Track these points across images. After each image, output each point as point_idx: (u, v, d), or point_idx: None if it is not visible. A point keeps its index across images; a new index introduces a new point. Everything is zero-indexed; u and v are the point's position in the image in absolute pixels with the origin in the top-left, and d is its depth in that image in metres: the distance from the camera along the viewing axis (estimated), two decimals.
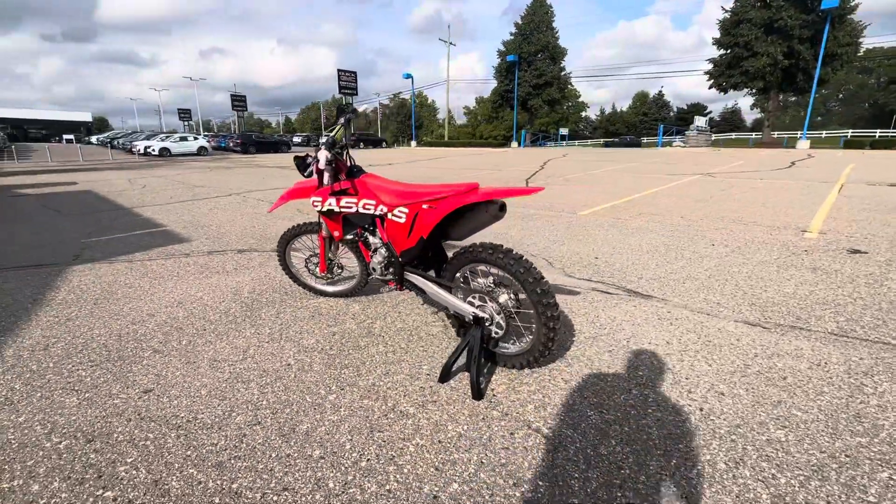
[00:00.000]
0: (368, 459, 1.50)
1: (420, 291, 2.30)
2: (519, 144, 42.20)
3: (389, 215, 2.18)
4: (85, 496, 1.34)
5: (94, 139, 45.56)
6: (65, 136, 55.91)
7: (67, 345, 2.37)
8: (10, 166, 17.86)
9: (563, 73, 44.87)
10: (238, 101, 54.64)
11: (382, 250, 2.40)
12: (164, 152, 27.18)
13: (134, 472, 1.44)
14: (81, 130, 62.60)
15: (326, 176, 2.40)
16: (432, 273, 2.37)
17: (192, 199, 8.28)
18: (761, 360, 2.17)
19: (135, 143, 29.42)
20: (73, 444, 1.58)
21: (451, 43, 44.58)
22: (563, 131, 45.30)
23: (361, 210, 2.32)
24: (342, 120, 2.46)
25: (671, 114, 70.97)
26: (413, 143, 44.76)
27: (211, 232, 5.38)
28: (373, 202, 2.26)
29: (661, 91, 74.75)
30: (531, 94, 44.33)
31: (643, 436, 1.63)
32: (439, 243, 2.38)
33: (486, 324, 2.00)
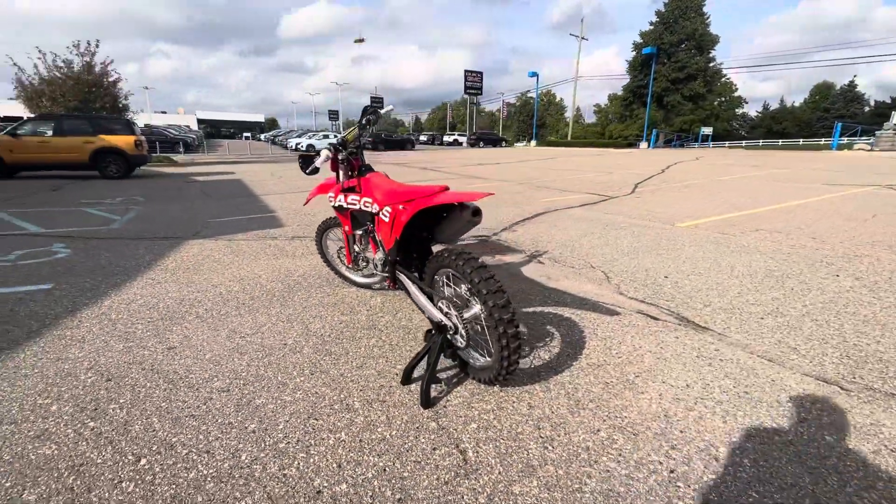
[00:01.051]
0: (288, 442, 1.59)
1: (407, 292, 2.31)
2: (649, 145, 38.36)
3: (379, 214, 2.23)
4: (76, 421, 1.69)
5: (262, 137, 54.67)
6: (244, 134, 68.07)
7: (144, 303, 2.95)
8: (200, 158, 22.43)
9: (711, 65, 39.30)
10: (376, 102, 60.01)
11: (381, 248, 2.47)
12: (310, 148, 31.31)
13: (118, 410, 1.76)
14: (256, 129, 75.53)
15: (340, 173, 2.55)
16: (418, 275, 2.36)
17: (308, 190, 9.41)
18: (810, 432, 1.68)
19: (289, 140, 34.55)
20: (97, 381, 1.98)
21: (582, 38, 42.42)
22: (706, 130, 39.67)
23: (363, 207, 2.42)
24: (363, 121, 2.57)
25: (865, 109, 57.02)
26: (533, 142, 43.95)
27: (305, 220, 6.08)
28: (370, 200, 2.34)
29: (852, 81, 60.36)
30: (668, 90, 39.85)
31: (575, 485, 1.41)
32: (427, 245, 2.35)
33: (450, 332, 1.93)
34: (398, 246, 2.14)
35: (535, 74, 42.43)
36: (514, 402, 1.86)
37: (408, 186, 2.15)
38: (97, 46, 15.61)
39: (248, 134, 66.26)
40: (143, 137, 11.92)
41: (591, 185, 10.15)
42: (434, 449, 1.57)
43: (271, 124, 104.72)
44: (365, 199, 2.40)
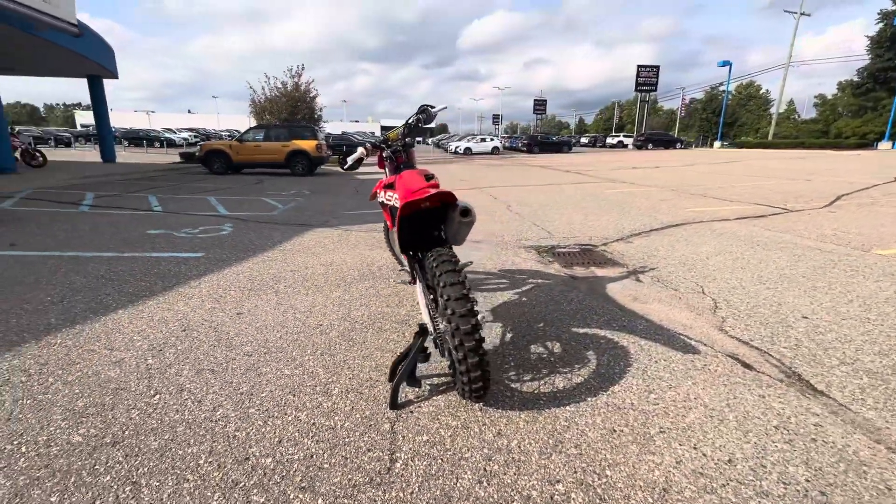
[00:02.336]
0: (257, 409, 1.74)
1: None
2: (894, 145, 28.72)
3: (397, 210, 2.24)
4: (143, 356, 2.17)
5: (429, 141, 59.80)
6: (417, 139, 75.64)
7: (248, 275, 3.58)
8: (372, 160, 25.86)
9: None
10: (539, 106, 59.60)
11: None
12: (467, 151, 32.96)
13: (170, 356, 2.20)
14: (428, 134, 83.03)
15: (386, 170, 2.64)
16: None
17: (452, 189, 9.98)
18: None
19: (449, 143, 37.00)
20: (176, 330, 2.50)
21: (800, 13, 34.19)
22: None
23: (393, 203, 2.46)
24: (411, 120, 2.62)
25: None
26: (717, 143, 37.52)
27: None
28: (393, 196, 2.37)
29: None
30: None
31: None
32: (441, 244, 2.25)
33: (431, 337, 1.83)
34: (404, 242, 2.12)
35: (726, 64, 36.09)
36: (483, 425, 1.67)
37: (423, 184, 2.11)
38: (302, 69, 19.55)
39: (419, 138, 73.29)
40: (323, 142, 14.33)
41: (767, 194, 8.21)
42: (368, 450, 1.52)
43: (441, 129, 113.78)
44: (395, 195, 2.44)
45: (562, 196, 8.61)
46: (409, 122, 2.56)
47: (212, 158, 13.37)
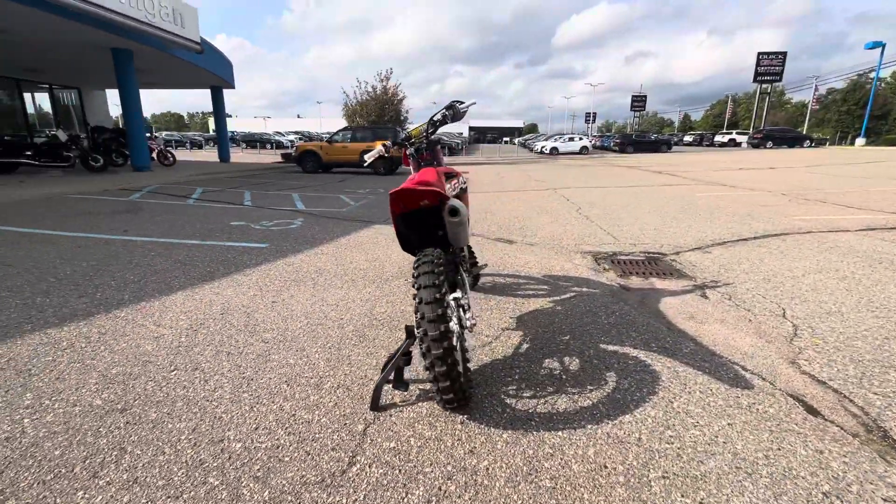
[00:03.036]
0: (249, 395, 1.82)
1: None
2: None
3: None
4: (180, 335, 2.39)
5: (515, 141, 58.97)
6: (504, 139, 74.97)
7: (296, 266, 3.80)
8: (454, 160, 26.16)
9: None
10: (637, 102, 55.58)
11: None
12: (553, 151, 31.90)
13: (202, 336, 2.40)
14: (514, 134, 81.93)
15: (412, 168, 2.61)
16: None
17: (515, 190, 9.77)
18: None
19: (535, 143, 36.12)
20: (216, 313, 2.73)
21: None
22: None
23: None
24: (437, 116, 2.55)
25: None
26: (860, 140, 31.60)
27: (483, 216, 6.39)
28: None
29: None
30: None
31: None
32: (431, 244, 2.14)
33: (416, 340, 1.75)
34: (402, 241, 2.06)
35: (877, 45, 30.21)
36: (458, 439, 1.55)
37: (416, 182, 2.04)
38: (390, 73, 20.51)
39: (507, 138, 72.65)
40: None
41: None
42: (332, 449, 1.50)
43: (530, 129, 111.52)
44: None
45: (641, 199, 7.89)
46: (434, 118, 2.50)
47: (305, 158, 14.59)
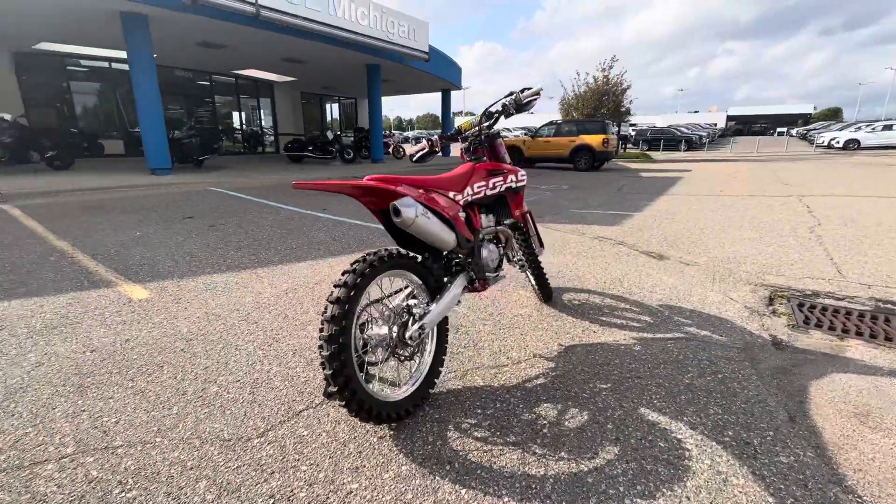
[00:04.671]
0: (227, 369, 2.10)
1: None
2: None
3: None
4: (248, 300, 2.93)
5: (794, 131, 45.32)
6: (778, 129, 59.08)
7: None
8: (686, 156, 22.27)
9: None
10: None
11: None
12: (851, 144, 23.42)
13: (253, 311, 2.87)
14: (798, 123, 63.31)
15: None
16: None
17: (736, 195, 7.80)
18: None
19: (820, 134, 27.08)
20: (289, 290, 3.21)
21: None
22: None
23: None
24: (493, 107, 2.28)
25: None
26: None
27: (653, 224, 5.40)
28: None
29: None
30: None
31: None
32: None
33: None
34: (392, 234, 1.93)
35: None
36: (357, 453, 1.42)
37: (429, 178, 1.88)
38: (614, 61, 18.77)
39: (784, 129, 56.95)
40: (612, 136, 13.59)
41: None
42: (259, 418, 1.60)
43: (826, 115, 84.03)
44: None
45: None
46: (490, 108, 2.24)
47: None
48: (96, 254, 3.75)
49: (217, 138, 13.22)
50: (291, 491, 1.28)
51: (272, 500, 1.25)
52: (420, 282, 1.75)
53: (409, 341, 1.56)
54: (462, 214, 1.95)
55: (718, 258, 3.83)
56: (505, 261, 2.58)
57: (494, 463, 1.40)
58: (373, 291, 1.59)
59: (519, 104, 2.13)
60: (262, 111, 18.48)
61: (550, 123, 14.64)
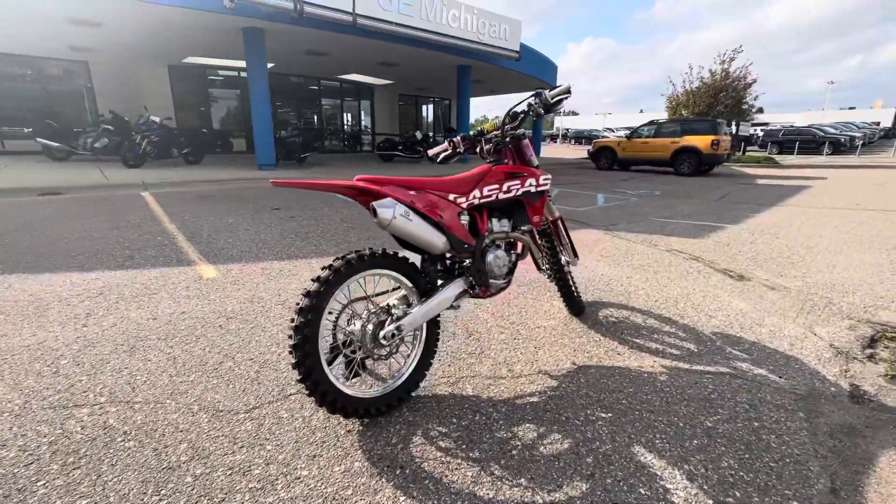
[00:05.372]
0: (247, 347, 2.27)
1: None
2: None
3: None
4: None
5: None
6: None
7: None
8: (825, 161, 18.80)
9: None
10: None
11: None
12: None
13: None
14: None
15: None
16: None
17: (875, 209, 6.47)
18: None
19: None
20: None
21: None
22: None
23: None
24: (516, 108, 2.16)
25: None
26: None
27: (748, 238, 4.73)
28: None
29: None
30: None
31: None
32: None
33: None
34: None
35: None
36: (320, 443, 1.47)
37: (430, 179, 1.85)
38: (736, 52, 16.43)
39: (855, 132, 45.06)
40: (724, 137, 12.03)
41: None
42: (253, 394, 1.74)
43: None
44: None
45: None
46: (515, 109, 2.14)
47: (600, 155, 14.21)
48: (192, 237, 4.38)
49: (318, 138, 14.49)
50: (249, 467, 1.37)
51: (230, 471, 1.35)
52: (409, 283, 1.75)
53: (382, 341, 1.57)
54: (465, 217, 1.90)
55: (818, 283, 3.20)
56: (535, 268, 2.46)
57: (446, 476, 1.35)
58: (370, 290, 1.66)
59: (546, 105, 2.01)
60: (361, 112, 19.84)
61: (651, 123, 13.43)
